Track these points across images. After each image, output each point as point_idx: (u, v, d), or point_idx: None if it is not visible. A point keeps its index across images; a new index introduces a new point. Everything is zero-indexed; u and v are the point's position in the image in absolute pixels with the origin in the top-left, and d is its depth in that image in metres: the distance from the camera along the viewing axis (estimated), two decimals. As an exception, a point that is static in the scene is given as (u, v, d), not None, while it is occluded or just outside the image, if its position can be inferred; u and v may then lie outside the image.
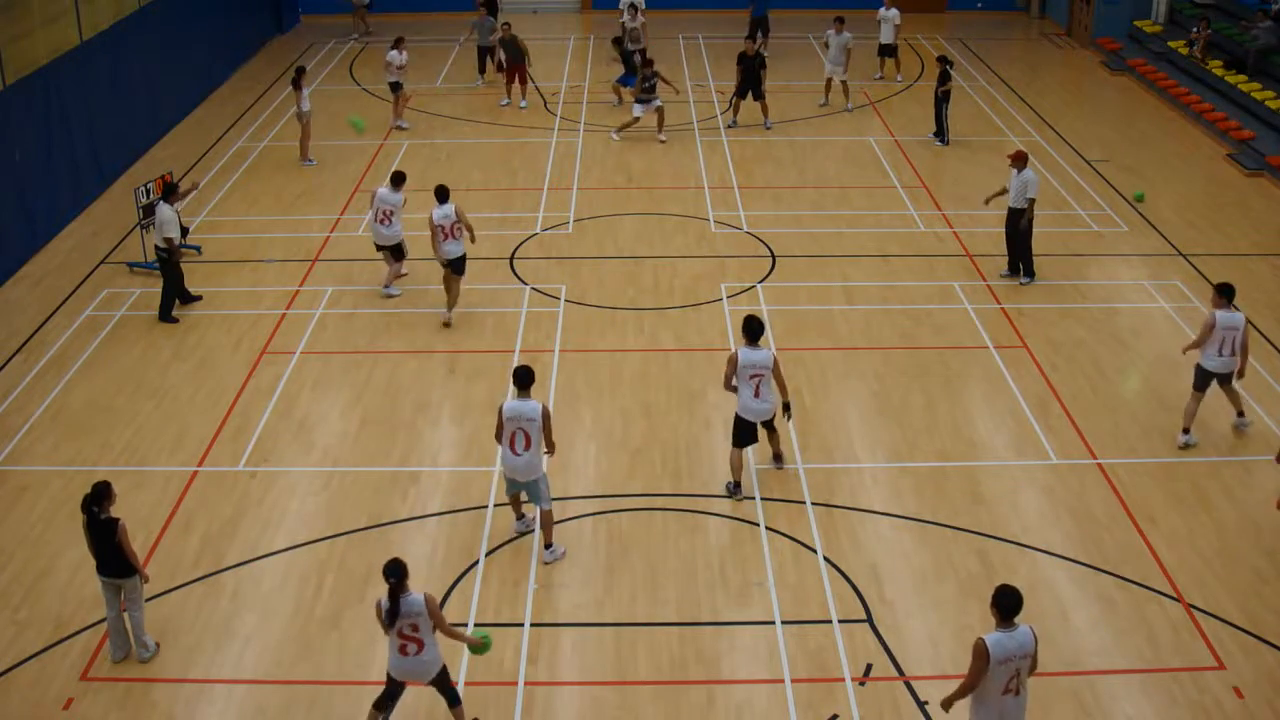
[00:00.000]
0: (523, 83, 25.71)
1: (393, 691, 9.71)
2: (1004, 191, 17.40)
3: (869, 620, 11.20)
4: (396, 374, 15.40)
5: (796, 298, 17.32)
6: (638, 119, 23.80)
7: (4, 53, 18.66)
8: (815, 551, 12.11)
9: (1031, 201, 17.27)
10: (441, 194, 16.35)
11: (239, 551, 12.22)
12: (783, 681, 10.52)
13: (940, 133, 23.66)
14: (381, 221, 17.02)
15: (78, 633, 11.13)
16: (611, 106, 25.92)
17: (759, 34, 28.06)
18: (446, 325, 16.43)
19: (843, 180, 21.85)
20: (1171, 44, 28.15)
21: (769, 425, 12.89)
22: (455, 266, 16.35)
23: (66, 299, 17.51)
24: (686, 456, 13.65)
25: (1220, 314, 13.51)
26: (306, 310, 17.05)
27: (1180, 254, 18.83)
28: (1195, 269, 18.29)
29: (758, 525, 12.51)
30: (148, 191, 17.71)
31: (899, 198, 20.95)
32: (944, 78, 23.28)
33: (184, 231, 17.52)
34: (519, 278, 18.00)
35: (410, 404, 14.72)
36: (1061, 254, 18.53)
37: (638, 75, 24.48)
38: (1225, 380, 13.77)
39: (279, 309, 17.10)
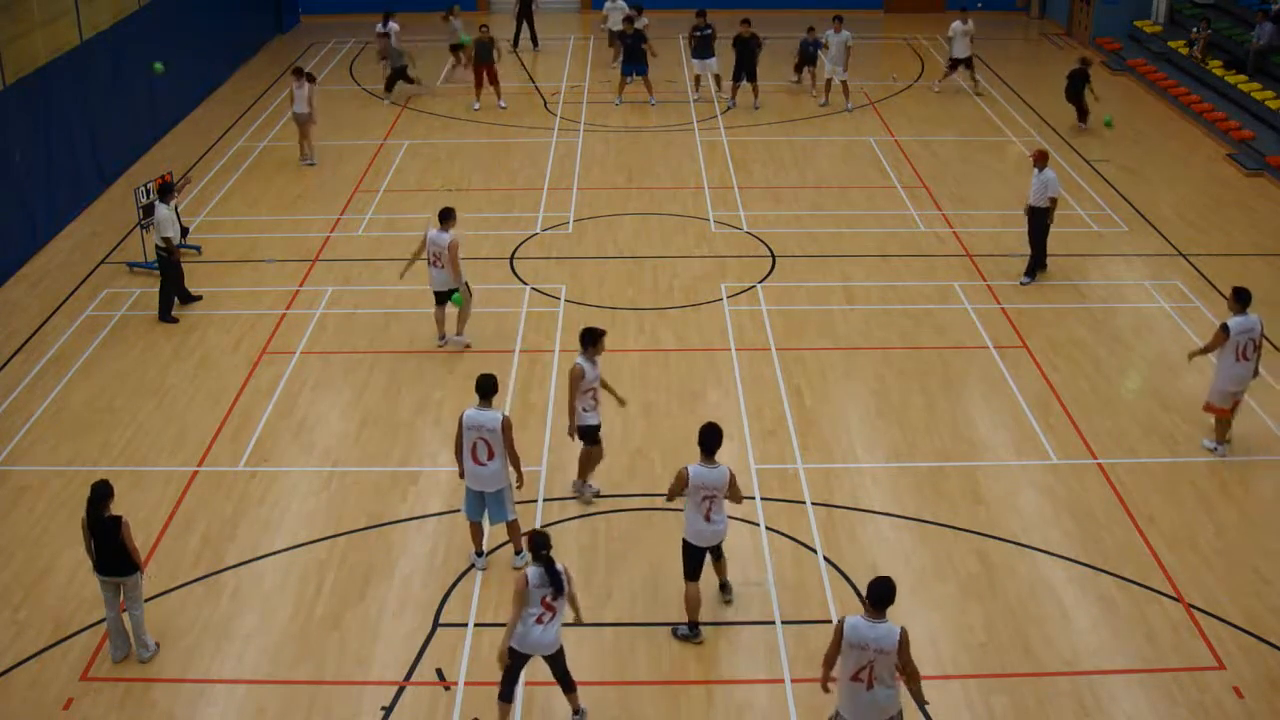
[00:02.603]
0: (494, 82, 25.48)
1: (516, 674, 9.74)
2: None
3: (869, 620, 11.18)
4: (396, 374, 15.40)
5: (796, 298, 17.31)
6: (698, 75, 26.02)
7: (4, 53, 18.67)
8: (815, 551, 12.11)
9: (1054, 201, 17.31)
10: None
11: (239, 551, 12.22)
12: (783, 681, 10.52)
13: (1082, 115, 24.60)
14: (434, 264, 15.53)
15: (78, 633, 11.13)
16: (613, 106, 25.92)
17: (805, 67, 27.30)
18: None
19: (843, 180, 21.85)
20: (1171, 44, 28.17)
21: (716, 551, 11.17)
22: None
23: (66, 299, 17.51)
24: (687, 457, 13.56)
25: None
26: (306, 310, 17.05)
27: (1180, 254, 18.83)
28: (1195, 269, 18.29)
29: (758, 525, 12.50)
30: (148, 191, 17.71)
31: (899, 198, 20.95)
32: (1084, 77, 24.18)
33: (184, 231, 17.54)
34: (519, 278, 18.00)
35: (410, 404, 14.72)
36: (1061, 254, 18.51)
37: (642, 62, 25.36)
38: None
39: (279, 309, 17.10)
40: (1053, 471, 13.43)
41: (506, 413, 11.69)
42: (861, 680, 8.75)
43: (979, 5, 34.66)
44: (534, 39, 30.42)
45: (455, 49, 27.52)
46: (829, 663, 8.95)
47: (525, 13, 30.01)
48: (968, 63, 26.57)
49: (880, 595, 8.72)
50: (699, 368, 15.47)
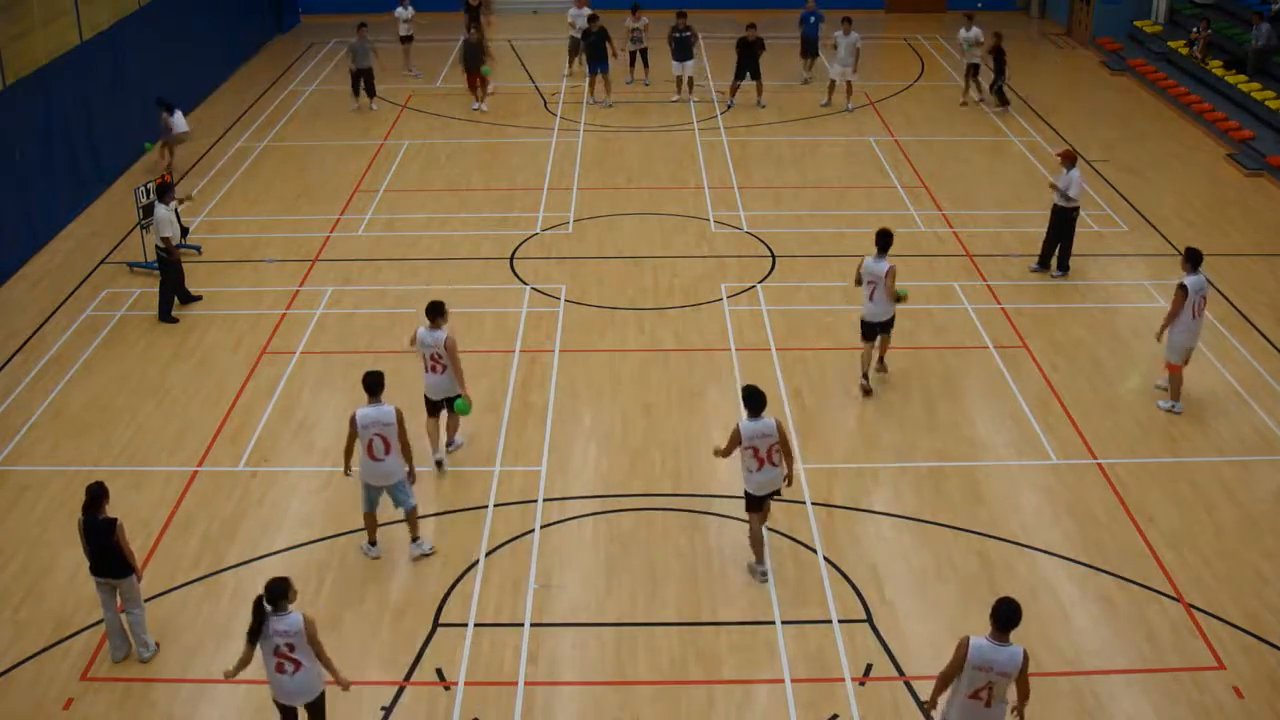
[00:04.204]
0: (482, 85, 25.43)
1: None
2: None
3: (869, 620, 11.20)
4: (396, 374, 15.35)
5: (796, 298, 17.31)
6: (679, 76, 25.97)
7: (4, 53, 18.67)
8: (815, 551, 12.11)
9: (1070, 200, 17.52)
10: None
11: (239, 551, 12.22)
12: (783, 681, 10.52)
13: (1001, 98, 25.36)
14: (430, 369, 13.31)
15: (78, 633, 11.13)
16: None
17: (808, 54, 27.47)
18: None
19: (843, 180, 21.85)
20: (1171, 44, 28.15)
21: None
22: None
23: (66, 299, 17.51)
24: (686, 456, 13.65)
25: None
26: (306, 310, 17.05)
27: (1180, 254, 18.77)
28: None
29: (758, 525, 12.50)
30: (147, 191, 17.72)
31: (899, 198, 20.94)
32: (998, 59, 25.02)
33: (184, 231, 17.54)
34: (519, 278, 18.00)
35: (410, 404, 14.67)
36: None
37: (604, 61, 25.54)
38: None
39: (279, 309, 17.10)
40: (1053, 471, 13.43)
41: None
42: (980, 699, 8.68)
43: (979, 5, 34.68)
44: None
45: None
46: (945, 682, 8.81)
47: (474, 23, 29.85)
48: (974, 70, 25.85)
49: (1007, 617, 8.60)
50: (699, 368, 15.47)
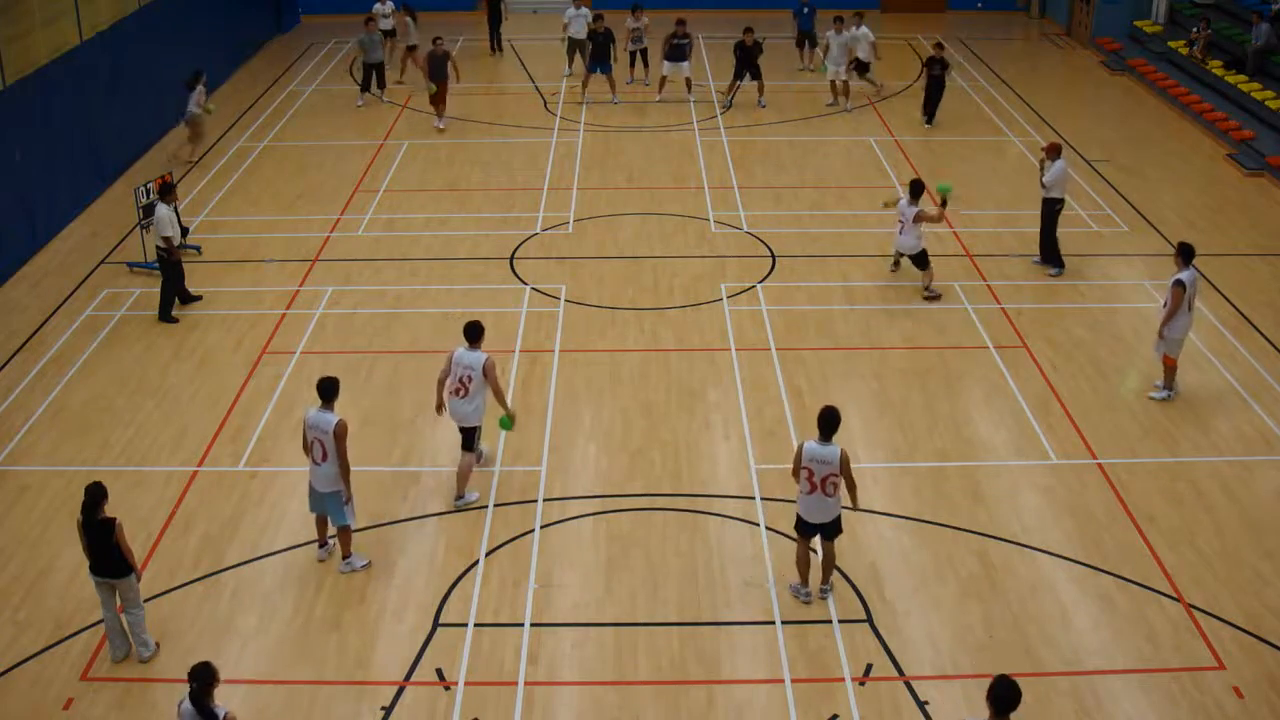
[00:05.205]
0: (441, 100, 24.43)
1: None
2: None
3: (869, 620, 11.20)
4: (396, 374, 15.40)
5: (796, 298, 17.32)
6: (665, 76, 25.91)
7: (4, 53, 18.66)
8: (815, 552, 12.09)
9: (1047, 190, 17.66)
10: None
11: (239, 551, 12.22)
12: (783, 681, 10.52)
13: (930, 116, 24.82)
14: (457, 393, 12.59)
15: (78, 633, 11.13)
16: (612, 105, 25.93)
17: (806, 45, 28.10)
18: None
19: (843, 180, 21.85)
20: (1171, 44, 28.16)
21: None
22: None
23: (66, 299, 17.50)
24: (686, 456, 13.65)
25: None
26: (306, 310, 17.05)
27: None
28: (1195, 269, 18.22)
29: (758, 525, 12.51)
30: (148, 191, 17.72)
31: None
32: (940, 66, 24.29)
33: (184, 231, 17.54)
34: (519, 278, 18.00)
35: (410, 404, 14.71)
36: (1062, 254, 18.49)
37: (608, 60, 25.57)
38: None
39: (279, 309, 17.10)
40: (1053, 471, 13.43)
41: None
42: None
43: (979, 5, 34.71)
44: (498, 44, 30.23)
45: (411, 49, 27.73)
46: None
47: (494, 17, 29.89)
48: (856, 64, 25.82)
49: (1005, 699, 8.07)
50: (699, 368, 15.47)
